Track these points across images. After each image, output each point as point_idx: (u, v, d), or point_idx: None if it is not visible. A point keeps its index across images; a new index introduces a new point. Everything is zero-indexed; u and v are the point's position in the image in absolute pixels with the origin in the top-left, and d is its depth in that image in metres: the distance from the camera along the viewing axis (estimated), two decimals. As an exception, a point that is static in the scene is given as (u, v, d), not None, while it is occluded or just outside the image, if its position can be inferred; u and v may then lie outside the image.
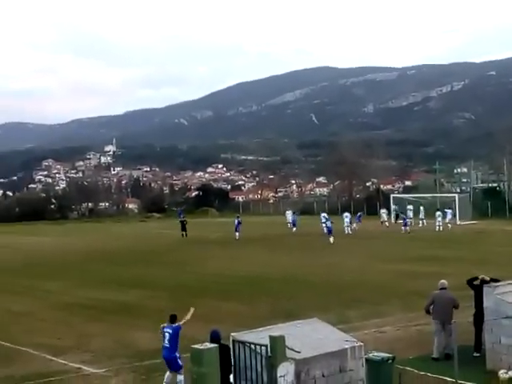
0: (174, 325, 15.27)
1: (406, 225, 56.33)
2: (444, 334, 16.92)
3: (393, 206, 68.03)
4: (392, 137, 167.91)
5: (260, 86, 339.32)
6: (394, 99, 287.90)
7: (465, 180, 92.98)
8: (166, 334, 15.08)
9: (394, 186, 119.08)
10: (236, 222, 53.81)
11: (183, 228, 55.97)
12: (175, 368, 15.09)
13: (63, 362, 18.23)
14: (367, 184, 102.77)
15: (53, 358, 18.60)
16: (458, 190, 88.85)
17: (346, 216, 57.24)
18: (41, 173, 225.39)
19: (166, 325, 15.31)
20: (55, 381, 16.42)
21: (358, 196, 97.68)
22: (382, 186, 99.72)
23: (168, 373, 15.23)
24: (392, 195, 76.82)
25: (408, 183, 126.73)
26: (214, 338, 12.78)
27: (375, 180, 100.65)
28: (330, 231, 49.37)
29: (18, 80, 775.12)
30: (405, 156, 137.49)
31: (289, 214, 64.16)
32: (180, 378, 15.05)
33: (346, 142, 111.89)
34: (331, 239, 48.11)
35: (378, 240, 50.30)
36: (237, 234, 52.82)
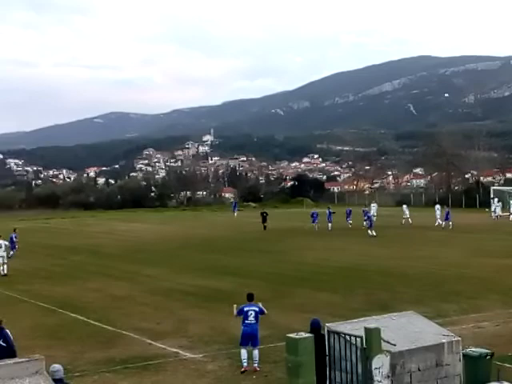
0: (255, 303, 16.14)
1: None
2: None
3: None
4: (493, 128, 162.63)
5: (357, 76, 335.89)
6: (496, 89, 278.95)
7: None
8: (252, 312, 15.86)
9: (494, 179, 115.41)
10: (327, 212, 53.81)
11: (264, 220, 55.05)
12: (256, 343, 15.88)
13: (162, 346, 18.75)
14: (466, 176, 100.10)
15: (152, 342, 19.16)
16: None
17: (438, 208, 56.47)
18: (141, 161, 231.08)
19: (243, 305, 16.09)
20: (154, 364, 16.94)
21: (456, 188, 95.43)
22: (481, 178, 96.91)
23: (243, 351, 15.91)
24: (492, 187, 74.58)
25: (510, 175, 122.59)
26: (315, 326, 12.84)
27: (475, 172, 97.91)
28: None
29: (122, 71, 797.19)
30: (507, 148, 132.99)
31: (374, 207, 62.19)
32: (257, 352, 15.89)
33: (445, 133, 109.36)
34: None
35: (479, 233, 49.00)
36: (329, 224, 52.78)
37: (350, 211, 55.50)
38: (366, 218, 49.87)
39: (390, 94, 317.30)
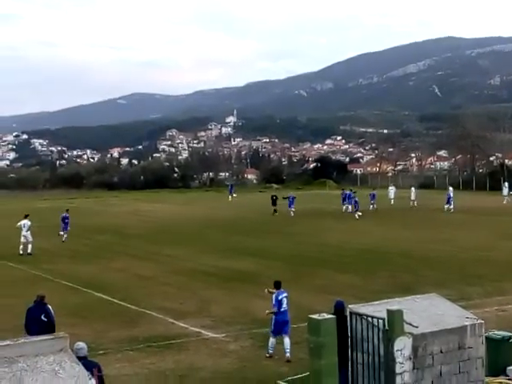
0: (284, 290, 15.92)
1: None
2: None
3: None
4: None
5: (381, 58, 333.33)
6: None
7: None
8: (284, 299, 15.67)
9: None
10: (348, 195, 53.50)
11: (273, 203, 52.26)
12: (286, 331, 15.67)
13: (184, 325, 18.92)
14: (491, 158, 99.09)
15: (174, 322, 19.34)
16: None
17: (451, 191, 56.41)
18: (165, 142, 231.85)
19: (276, 291, 15.81)
20: (176, 343, 17.10)
21: (480, 171, 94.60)
22: (506, 161, 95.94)
23: (272, 339, 15.74)
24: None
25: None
26: (338, 308, 12.84)
27: (499, 155, 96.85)
28: None
29: (146, 52, 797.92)
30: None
31: (392, 190, 61.53)
32: (288, 340, 15.62)
33: (470, 115, 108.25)
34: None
35: (504, 216, 48.62)
36: (349, 206, 52.50)
37: (374, 195, 55.04)
38: (353, 202, 49.52)
39: (414, 75, 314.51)
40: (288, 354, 15.50)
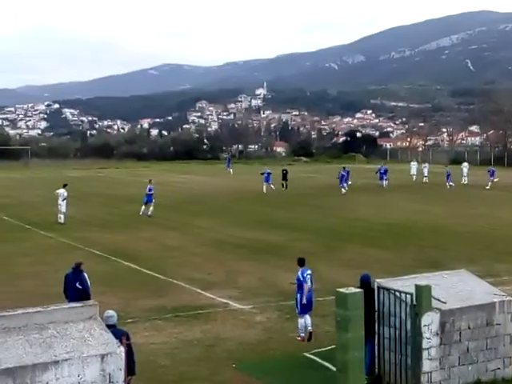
0: (307, 268, 15.15)
1: None
2: None
3: None
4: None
5: (414, 31, 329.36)
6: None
7: None
8: (308, 276, 14.97)
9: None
10: (383, 169, 52.87)
11: (284, 178, 50.89)
12: (311, 308, 15.10)
13: (211, 296, 19.02)
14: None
15: (202, 292, 19.45)
16: None
17: (465, 166, 56.16)
18: (194, 114, 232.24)
19: (301, 269, 15.06)
20: (203, 314, 17.23)
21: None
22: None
23: (301, 320, 15.03)
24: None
25: None
26: (365, 281, 12.80)
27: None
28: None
29: (175, 22, 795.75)
30: None
31: (414, 166, 60.16)
32: (309, 318, 15.04)
33: (503, 90, 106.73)
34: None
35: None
36: (384, 182, 52.11)
37: (386, 170, 53.42)
38: (340, 176, 48.27)
39: (447, 49, 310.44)
40: (310, 328, 14.92)
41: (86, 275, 14.62)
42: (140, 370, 10.92)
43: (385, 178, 52.55)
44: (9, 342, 8.68)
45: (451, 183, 51.58)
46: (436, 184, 52.36)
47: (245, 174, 67.91)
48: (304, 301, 14.84)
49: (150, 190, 36.51)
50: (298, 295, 15.02)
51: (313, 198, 44.68)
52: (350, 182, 50.19)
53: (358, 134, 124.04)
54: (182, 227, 32.13)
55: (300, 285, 14.98)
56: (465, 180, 55.02)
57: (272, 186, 48.67)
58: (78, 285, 14.35)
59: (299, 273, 15.06)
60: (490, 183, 51.14)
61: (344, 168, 50.90)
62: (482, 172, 56.15)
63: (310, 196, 46.40)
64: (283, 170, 52.15)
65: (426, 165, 58.99)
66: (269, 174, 49.21)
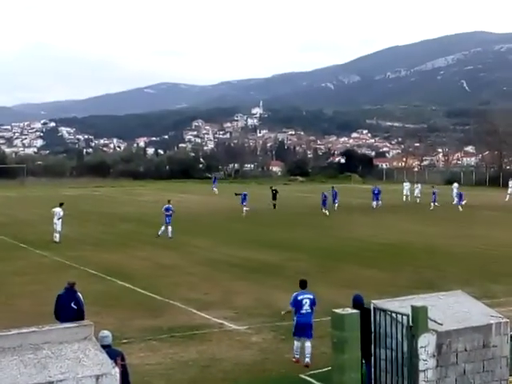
0: (309, 291, 15.01)
1: None
2: None
3: None
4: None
5: (409, 51, 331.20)
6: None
7: None
8: (307, 301, 14.72)
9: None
10: (377, 190, 52.53)
11: (274, 197, 50.68)
12: (309, 335, 14.82)
13: (207, 316, 18.96)
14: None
15: (197, 312, 19.39)
16: None
17: (455, 187, 56.36)
18: (191, 133, 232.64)
19: (298, 292, 14.91)
20: (199, 334, 17.16)
21: (508, 168, 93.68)
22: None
23: (297, 343, 14.90)
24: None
25: None
26: (357, 302, 12.79)
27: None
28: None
29: (171, 41, 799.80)
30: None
31: (406, 186, 59.62)
32: (309, 344, 14.80)
33: (499, 111, 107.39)
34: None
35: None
36: (375, 203, 51.89)
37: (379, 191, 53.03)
38: (323, 197, 47.27)
39: (443, 69, 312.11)
40: (308, 360, 14.68)
41: (80, 295, 14.52)
42: (135, 391, 10.85)
43: (378, 198, 52.26)
44: (3, 362, 8.61)
45: (436, 204, 51.25)
46: (428, 204, 52.38)
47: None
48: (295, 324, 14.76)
49: (167, 209, 35.55)
50: (295, 317, 14.82)
51: (308, 218, 44.69)
52: (336, 203, 49.61)
53: (355, 154, 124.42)
54: (177, 246, 32.08)
55: (295, 308, 14.78)
56: (455, 200, 54.96)
57: (245, 209, 46.90)
58: (73, 305, 14.22)
59: (292, 295, 14.89)
60: (459, 206, 50.61)
61: (332, 188, 50.86)
62: (477, 193, 56.35)
63: (305, 215, 46.42)
64: (273, 190, 51.41)
65: (419, 185, 58.84)
66: (245, 195, 48.21)
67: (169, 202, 37.11)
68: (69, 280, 14.99)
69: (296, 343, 14.88)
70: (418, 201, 56.63)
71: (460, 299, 13.09)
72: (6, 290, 22.18)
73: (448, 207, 51.88)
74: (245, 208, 46.81)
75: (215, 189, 69.89)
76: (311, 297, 14.84)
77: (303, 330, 14.74)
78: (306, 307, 14.71)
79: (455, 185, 57.49)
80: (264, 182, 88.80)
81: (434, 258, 28.75)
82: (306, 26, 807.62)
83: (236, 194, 50.12)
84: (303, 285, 15.04)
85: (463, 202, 51.32)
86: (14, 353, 8.81)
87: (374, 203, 51.95)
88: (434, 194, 51.53)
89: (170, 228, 35.06)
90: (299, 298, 14.73)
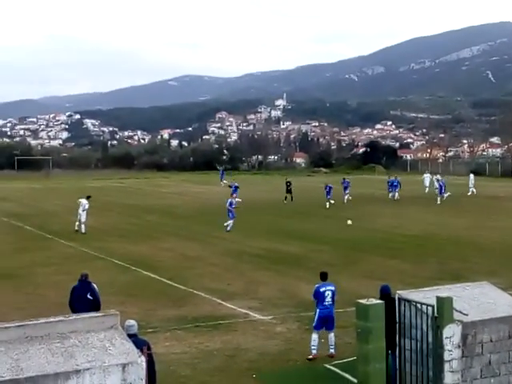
0: (330, 283, 14.83)
1: None
2: None
3: None
4: None
5: (434, 42, 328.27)
6: None
7: None
8: (329, 293, 14.52)
9: None
10: (396, 182, 52.02)
11: (288, 190, 49.65)
12: (331, 327, 14.71)
13: (232, 306, 19.02)
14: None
15: (222, 303, 19.46)
16: None
17: (471, 178, 55.74)
18: (214, 125, 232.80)
19: (319, 284, 14.75)
20: (224, 324, 17.23)
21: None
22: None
23: (315, 336, 14.61)
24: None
25: None
26: (385, 292, 12.73)
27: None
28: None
29: (195, 34, 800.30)
30: None
31: (427, 178, 58.35)
32: (332, 335, 14.70)
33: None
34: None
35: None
36: (391, 194, 51.43)
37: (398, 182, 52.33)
38: (327, 189, 46.62)
39: (468, 60, 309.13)
40: (332, 351, 14.60)
41: (95, 286, 14.58)
42: (161, 379, 10.93)
43: (396, 190, 51.45)
44: (31, 350, 8.73)
45: (444, 194, 50.32)
46: (454, 195, 51.92)
47: (264, 185, 68.02)
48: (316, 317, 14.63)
49: (230, 204, 35.13)
50: (317, 310, 14.67)
51: (332, 209, 44.57)
52: (346, 195, 49.18)
53: (379, 145, 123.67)
54: (201, 237, 32.19)
55: (317, 300, 14.68)
56: (472, 191, 54.55)
57: (237, 200, 44.73)
58: (89, 296, 14.27)
59: (314, 287, 14.79)
60: (438, 199, 49.01)
61: (344, 179, 50.58)
62: (503, 183, 55.84)
63: (329, 207, 46.29)
64: (287, 182, 50.77)
65: (438, 177, 58.05)
66: (236, 187, 47.30)
67: (232, 195, 37.06)
68: (82, 271, 15.04)
69: (314, 336, 14.57)
70: (437, 192, 55.41)
71: (486, 290, 13.01)
72: (32, 280, 22.43)
73: (470, 198, 51.49)
74: (237, 199, 45.09)
75: (225, 181, 67.71)
76: (333, 288, 14.69)
77: (326, 322, 14.63)
78: (328, 299, 14.56)
79: (471, 176, 56.53)
80: (287, 174, 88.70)
81: (458, 249, 28.58)
82: (330, 18, 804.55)
83: (229, 186, 49.18)
84: (324, 277, 14.90)
85: (446, 194, 49.69)
86: (41, 342, 8.92)
87: (392, 194, 51.39)
88: (440, 185, 50.83)
89: (231, 222, 34.33)
90: (321, 289, 14.59)
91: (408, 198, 51.01)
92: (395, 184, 51.99)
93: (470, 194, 54.43)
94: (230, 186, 48.66)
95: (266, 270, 24.23)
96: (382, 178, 76.71)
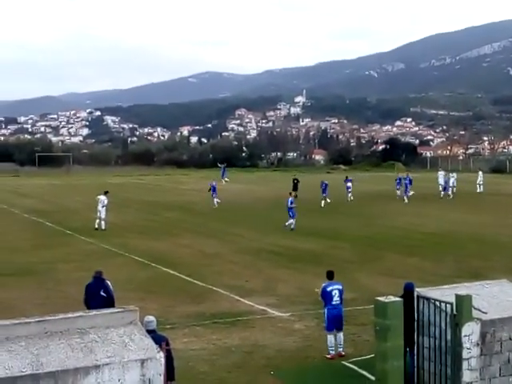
0: (337, 282, 14.74)
1: None
2: None
3: None
4: None
5: (455, 38, 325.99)
6: None
7: None
8: (336, 292, 14.42)
9: None
10: (408, 179, 51.19)
11: (295, 188, 48.95)
12: (341, 326, 14.59)
13: (250, 303, 19.07)
14: None
15: (240, 299, 19.51)
16: None
17: (479, 175, 55.24)
18: (233, 121, 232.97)
19: (326, 283, 14.68)
20: (242, 321, 17.28)
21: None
22: None
23: (330, 337, 14.48)
24: None
25: None
26: (408, 289, 12.62)
27: None
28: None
29: (215, 31, 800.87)
30: None
31: (441, 176, 55.91)
32: (341, 334, 14.59)
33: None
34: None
35: None
36: (400, 192, 50.37)
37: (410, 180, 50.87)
38: (323, 186, 45.94)
39: (489, 56, 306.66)
40: (341, 349, 14.49)
41: (109, 283, 14.65)
42: (179, 375, 11.02)
43: (407, 188, 49.53)
44: (51, 346, 8.82)
45: (448, 192, 50.02)
46: (465, 193, 51.53)
47: (283, 182, 67.84)
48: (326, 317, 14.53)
49: (291, 202, 34.56)
50: (326, 310, 14.59)
51: (350, 207, 44.48)
52: (349, 193, 48.67)
53: (398, 142, 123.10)
54: (220, 235, 32.27)
55: (325, 300, 14.58)
56: (479, 188, 54.05)
57: (216, 200, 44.82)
58: (102, 293, 14.34)
59: (321, 287, 14.69)
60: (405, 197, 48.02)
61: (346, 177, 50.20)
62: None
63: (347, 204, 46.21)
64: (294, 180, 50.26)
65: (454, 175, 57.04)
66: (214, 187, 45.81)
67: (290, 194, 37.00)
68: (96, 269, 15.12)
69: (330, 337, 14.47)
70: (454, 190, 54.59)
71: (505, 288, 12.96)
72: (53, 277, 22.61)
73: (485, 196, 51.11)
74: (216, 200, 44.97)
75: (227, 179, 66.85)
76: (340, 287, 14.60)
77: (336, 321, 14.47)
78: (336, 298, 14.45)
79: (479, 173, 56.00)
80: (306, 171, 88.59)
81: (477, 246, 28.41)
82: (350, 14, 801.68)
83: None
84: (330, 275, 14.83)
85: (410, 193, 48.48)
86: (61, 337, 9.01)
87: (404, 193, 49.30)
88: (445, 182, 50.09)
89: (292, 220, 33.92)
90: (328, 289, 14.49)
91: (424, 196, 50.62)
92: (406, 182, 49.89)
93: (478, 191, 54.08)
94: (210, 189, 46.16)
95: (284, 267, 24.24)
96: (401, 175, 76.39)
